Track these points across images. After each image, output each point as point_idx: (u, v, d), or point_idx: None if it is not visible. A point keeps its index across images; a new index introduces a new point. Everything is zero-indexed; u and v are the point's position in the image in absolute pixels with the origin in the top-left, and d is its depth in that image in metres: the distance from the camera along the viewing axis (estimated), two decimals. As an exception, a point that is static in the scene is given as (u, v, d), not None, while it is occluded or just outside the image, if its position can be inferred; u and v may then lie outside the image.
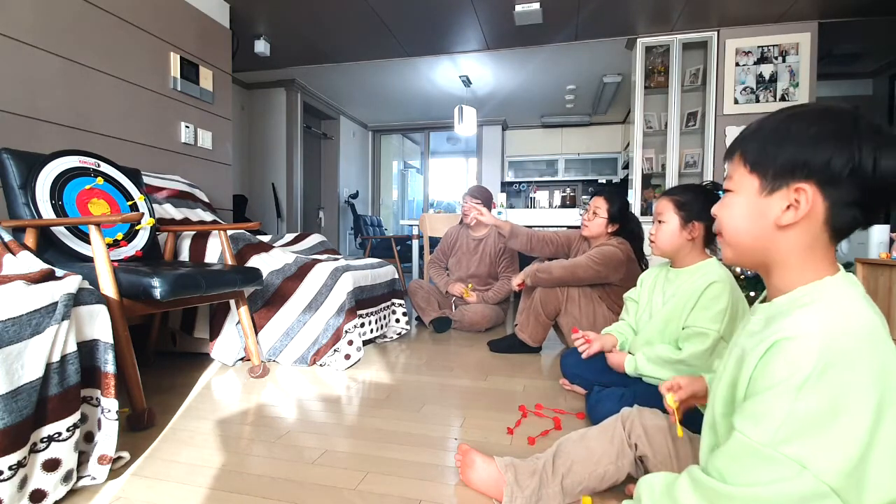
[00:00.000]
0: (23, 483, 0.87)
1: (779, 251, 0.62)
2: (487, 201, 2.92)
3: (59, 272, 1.13)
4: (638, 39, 3.75)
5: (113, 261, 1.40)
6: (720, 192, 1.30)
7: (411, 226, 4.42)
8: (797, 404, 0.51)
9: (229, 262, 1.87)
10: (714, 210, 0.70)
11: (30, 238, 1.41)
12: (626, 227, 2.07)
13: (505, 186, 6.91)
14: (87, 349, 1.06)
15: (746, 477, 0.54)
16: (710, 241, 1.33)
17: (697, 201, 1.31)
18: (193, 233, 2.05)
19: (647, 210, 3.93)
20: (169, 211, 2.22)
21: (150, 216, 1.85)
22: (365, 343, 2.26)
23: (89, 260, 1.49)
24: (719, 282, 1.24)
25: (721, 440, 0.64)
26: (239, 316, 1.78)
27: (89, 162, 1.70)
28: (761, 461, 0.53)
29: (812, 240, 0.60)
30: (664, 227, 1.34)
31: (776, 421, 0.52)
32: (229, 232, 1.97)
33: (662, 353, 1.28)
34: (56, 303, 0.97)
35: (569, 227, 4.11)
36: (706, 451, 0.68)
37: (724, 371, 0.65)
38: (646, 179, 3.99)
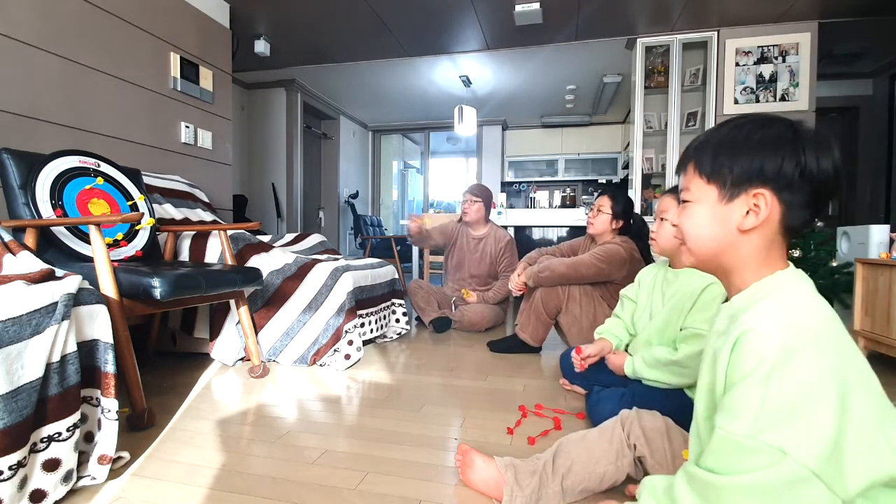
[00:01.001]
0: (23, 483, 0.87)
1: (739, 253, 0.66)
2: (488, 200, 2.92)
3: (59, 272, 1.13)
4: (638, 39, 3.75)
5: (113, 261, 1.40)
6: None
7: (411, 226, 4.42)
8: (769, 393, 0.53)
9: (229, 262, 1.87)
10: (673, 219, 0.73)
11: (30, 238, 1.41)
12: (631, 226, 2.08)
13: (505, 186, 6.91)
14: (87, 349, 1.06)
15: (733, 468, 0.55)
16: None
17: None
18: (193, 233, 2.05)
19: (646, 210, 3.93)
20: (169, 211, 2.22)
21: (150, 216, 1.85)
22: (365, 343, 2.26)
23: (89, 260, 1.49)
24: (718, 283, 1.23)
25: (705, 446, 0.64)
26: (239, 316, 1.78)
27: (89, 162, 1.70)
28: (744, 452, 0.54)
29: (769, 241, 0.64)
30: (667, 226, 1.32)
31: (752, 412, 0.54)
32: (229, 232, 1.97)
33: (659, 355, 1.28)
34: (56, 303, 0.97)
35: (569, 227, 4.11)
36: (693, 461, 0.69)
37: (701, 376, 0.67)
38: (646, 179, 3.99)
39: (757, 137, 0.62)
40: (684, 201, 0.70)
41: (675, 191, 1.36)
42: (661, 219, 1.34)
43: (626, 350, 1.50)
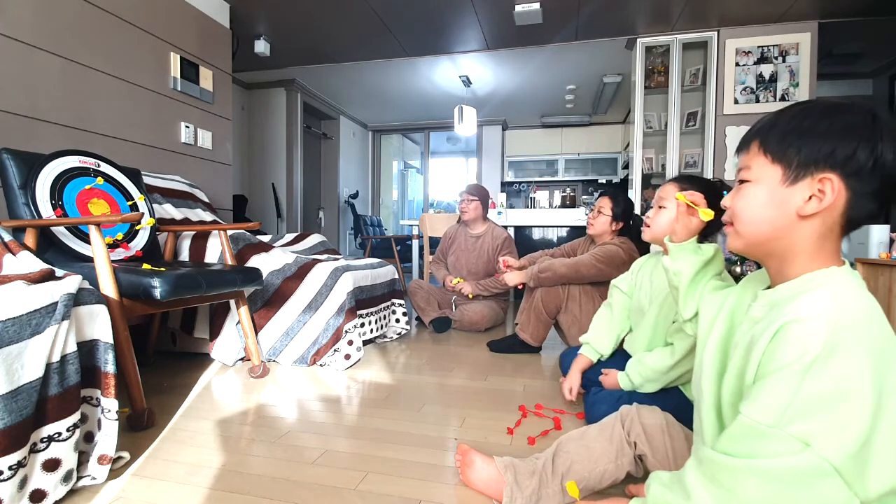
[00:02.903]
0: (23, 483, 0.87)
1: (794, 240, 0.63)
2: (484, 198, 2.93)
3: (59, 272, 1.13)
4: (638, 39, 3.75)
5: (113, 261, 1.40)
6: (725, 193, 1.29)
7: (411, 226, 4.43)
8: (804, 385, 0.51)
9: (229, 262, 1.87)
10: (726, 201, 0.70)
11: (30, 238, 1.41)
12: (630, 227, 2.09)
13: (505, 186, 6.91)
14: (87, 349, 1.06)
15: (749, 453, 0.54)
16: (702, 237, 1.32)
17: (704, 193, 1.29)
18: (193, 233, 2.05)
19: (646, 210, 3.93)
20: (169, 211, 2.22)
21: (150, 216, 1.85)
22: (365, 343, 2.26)
23: (89, 260, 1.49)
24: None
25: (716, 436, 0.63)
26: (239, 316, 1.78)
27: (89, 162, 1.70)
28: (766, 439, 0.53)
29: (827, 230, 0.61)
30: (663, 213, 1.30)
31: (782, 403, 0.52)
32: (229, 232, 1.97)
33: (656, 364, 1.25)
34: (56, 303, 0.97)
35: (569, 227, 4.11)
36: (710, 437, 0.67)
37: (731, 362, 0.65)
38: (646, 179, 3.99)
39: (831, 121, 0.59)
40: (742, 181, 0.67)
41: (678, 180, 1.34)
42: (660, 206, 1.31)
43: (623, 345, 1.50)
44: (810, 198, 0.60)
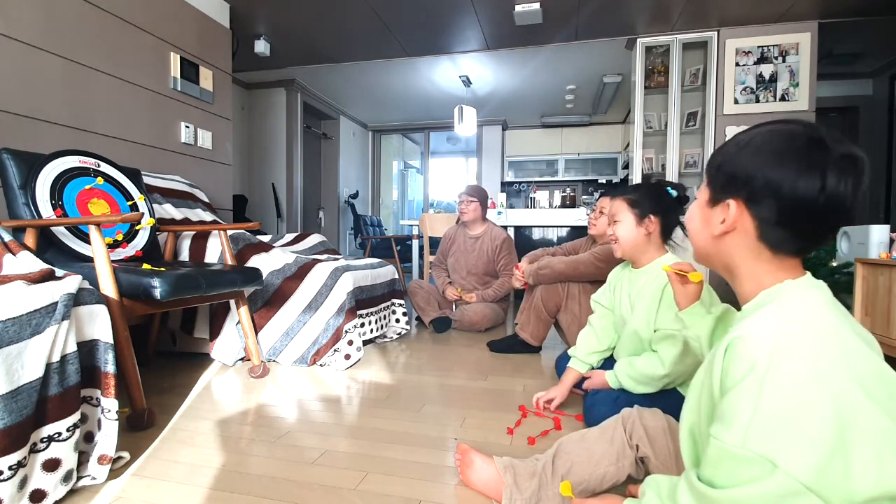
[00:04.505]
0: (23, 483, 0.87)
1: (723, 259, 0.66)
2: (483, 199, 2.93)
3: (59, 272, 1.13)
4: (638, 39, 3.74)
5: (113, 261, 1.40)
6: (668, 189, 1.32)
7: (411, 226, 4.43)
8: (760, 401, 0.52)
9: (229, 262, 1.87)
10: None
11: (30, 238, 1.41)
12: None
13: (505, 186, 6.91)
14: (87, 349, 1.06)
15: (728, 480, 0.54)
16: (667, 235, 1.33)
17: (649, 197, 1.32)
18: (193, 233, 2.05)
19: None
20: (169, 211, 2.22)
21: (150, 216, 1.85)
22: (365, 343, 2.26)
23: (89, 260, 1.49)
24: None
25: (700, 449, 0.64)
26: (239, 316, 1.78)
27: (89, 162, 1.70)
28: (737, 462, 0.53)
29: (752, 253, 0.62)
30: (620, 226, 1.34)
31: (744, 421, 0.52)
32: (229, 232, 1.97)
33: (646, 370, 1.24)
34: (56, 303, 0.97)
35: (569, 227, 4.11)
36: (688, 460, 0.68)
37: (699, 379, 0.66)
38: (646, 180, 3.98)
39: (750, 150, 0.61)
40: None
41: (622, 194, 1.38)
42: (615, 221, 1.36)
43: (612, 355, 1.49)
44: (723, 220, 0.63)
